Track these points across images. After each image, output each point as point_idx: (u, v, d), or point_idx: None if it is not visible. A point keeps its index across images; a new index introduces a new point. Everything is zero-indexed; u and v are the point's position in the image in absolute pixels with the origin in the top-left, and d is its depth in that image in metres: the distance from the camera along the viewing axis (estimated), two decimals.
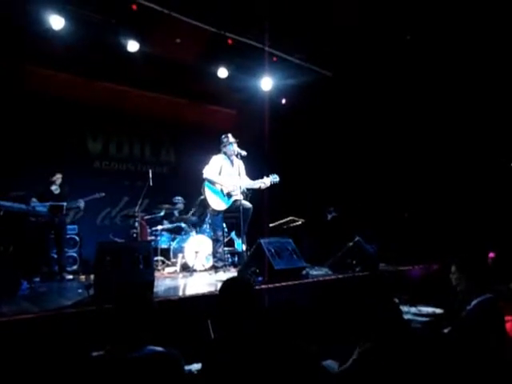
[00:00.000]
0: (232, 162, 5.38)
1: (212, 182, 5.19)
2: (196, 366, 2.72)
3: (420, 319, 3.36)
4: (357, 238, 5.07)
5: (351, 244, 5.05)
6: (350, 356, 2.19)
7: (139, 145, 8.37)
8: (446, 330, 2.77)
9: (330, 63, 7.19)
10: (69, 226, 6.31)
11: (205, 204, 5.43)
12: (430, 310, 3.55)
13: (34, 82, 6.64)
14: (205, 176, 5.19)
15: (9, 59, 5.81)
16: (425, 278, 4.92)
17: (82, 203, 5.74)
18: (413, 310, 3.59)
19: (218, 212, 5.22)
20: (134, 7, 5.45)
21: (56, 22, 5.18)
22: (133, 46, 5.85)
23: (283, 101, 7.96)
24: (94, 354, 1.87)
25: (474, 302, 2.59)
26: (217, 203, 5.19)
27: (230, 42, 6.31)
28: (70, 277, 5.68)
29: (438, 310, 3.51)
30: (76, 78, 7.08)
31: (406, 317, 3.38)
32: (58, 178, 5.85)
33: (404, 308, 3.61)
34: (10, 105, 6.25)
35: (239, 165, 5.30)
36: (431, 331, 3.10)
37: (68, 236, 6.27)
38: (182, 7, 5.63)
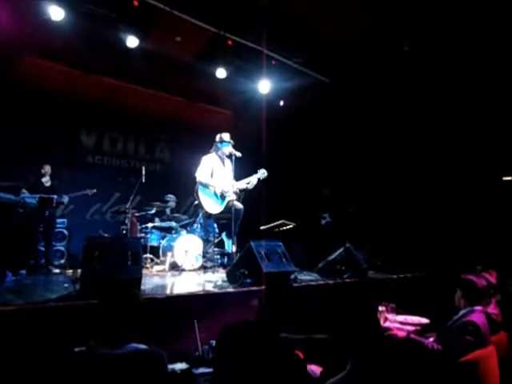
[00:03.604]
0: (223, 162, 5.39)
1: (205, 185, 5.17)
2: (180, 366, 2.71)
3: (406, 328, 3.37)
4: (347, 245, 5.09)
5: (341, 250, 5.06)
6: (331, 360, 2.18)
7: (134, 141, 8.33)
8: (431, 339, 2.79)
9: (329, 69, 7.22)
10: (58, 220, 6.26)
11: (199, 207, 5.40)
12: (416, 319, 3.56)
13: (28, 72, 6.57)
14: (198, 179, 5.17)
15: (4, 48, 5.73)
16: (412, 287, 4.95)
17: (66, 199, 5.71)
18: (399, 318, 3.60)
19: (211, 214, 5.21)
20: (136, 3, 5.43)
21: (55, 12, 5.13)
22: (132, 41, 5.81)
23: (281, 103, 7.96)
24: (77, 349, 1.85)
25: (461, 312, 2.63)
26: (211, 206, 5.17)
27: (229, 43, 6.31)
28: (57, 271, 5.62)
29: (424, 320, 3.53)
30: (72, 70, 7.02)
31: (393, 325, 3.40)
32: (47, 169, 5.80)
33: (390, 316, 3.62)
34: (3, 94, 6.17)
35: (230, 165, 5.32)
36: (415, 340, 3.10)
37: (57, 229, 6.22)
38: (183, 5, 5.61)
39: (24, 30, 5.45)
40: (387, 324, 3.36)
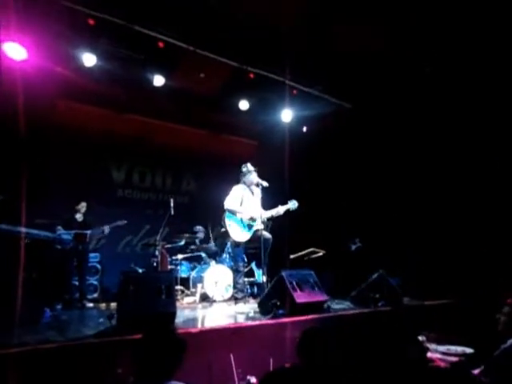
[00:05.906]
0: (252, 191, 5.43)
1: (233, 213, 5.22)
2: None
3: (449, 359, 3.22)
4: (380, 271, 4.96)
5: (374, 277, 4.94)
6: None
7: (161, 175, 8.54)
8: (476, 371, 2.65)
9: (350, 95, 7.29)
10: (91, 254, 6.40)
11: (226, 236, 5.43)
12: (459, 349, 3.39)
13: (63, 116, 6.90)
14: (226, 207, 5.22)
15: (43, 95, 6.10)
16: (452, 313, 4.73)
17: (107, 229, 5.88)
18: (441, 348, 3.44)
19: (239, 243, 5.22)
20: (161, 45, 5.73)
21: (88, 59, 5.48)
22: (159, 80, 6.11)
23: (304, 129, 8.05)
24: None
25: (511, 341, 2.49)
26: (238, 234, 5.19)
27: (251, 75, 6.52)
28: (91, 305, 5.73)
29: (469, 350, 3.36)
30: (104, 110, 7.33)
31: (435, 356, 3.25)
32: (83, 206, 6.02)
33: (431, 346, 3.47)
34: (40, 135, 6.50)
35: (258, 194, 5.35)
36: (461, 372, 2.95)
37: (90, 264, 6.36)
38: (206, 44, 5.88)
39: (60, 78, 5.80)
40: (429, 354, 3.23)
